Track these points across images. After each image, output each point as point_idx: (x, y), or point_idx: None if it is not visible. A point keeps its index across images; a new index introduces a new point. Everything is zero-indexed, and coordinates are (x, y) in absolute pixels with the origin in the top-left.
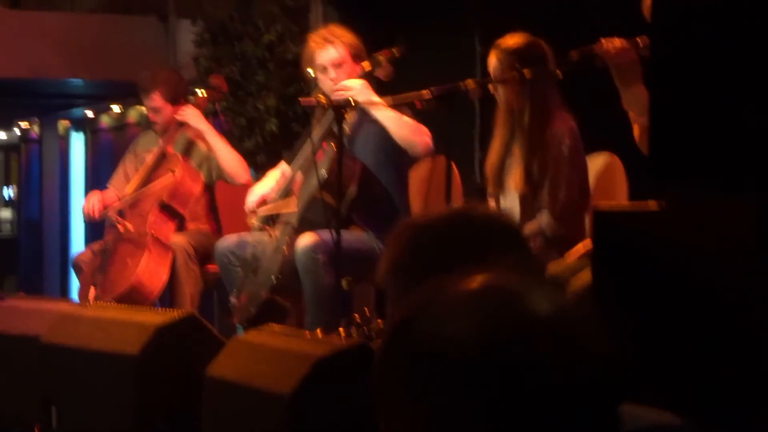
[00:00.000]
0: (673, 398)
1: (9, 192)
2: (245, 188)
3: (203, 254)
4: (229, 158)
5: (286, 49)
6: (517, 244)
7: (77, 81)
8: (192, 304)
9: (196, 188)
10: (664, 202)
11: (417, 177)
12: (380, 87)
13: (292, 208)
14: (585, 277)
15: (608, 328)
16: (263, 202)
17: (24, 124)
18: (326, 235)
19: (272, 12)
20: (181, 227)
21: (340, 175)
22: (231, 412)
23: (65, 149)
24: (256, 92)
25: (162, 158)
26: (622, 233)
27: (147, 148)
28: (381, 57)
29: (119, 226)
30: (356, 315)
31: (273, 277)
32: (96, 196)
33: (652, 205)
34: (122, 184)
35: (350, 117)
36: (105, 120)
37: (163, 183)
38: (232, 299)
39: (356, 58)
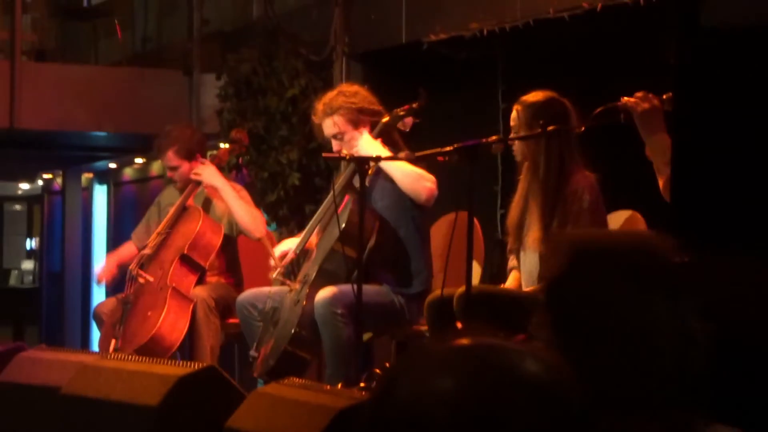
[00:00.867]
0: None
1: (31, 243)
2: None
3: (224, 307)
4: (243, 213)
5: (310, 103)
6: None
7: (101, 134)
8: (212, 356)
9: (217, 241)
10: (686, 257)
11: (438, 232)
12: (405, 141)
13: (308, 260)
14: None
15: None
16: (283, 257)
17: (47, 176)
18: (345, 288)
19: (296, 67)
20: (201, 280)
21: (362, 228)
22: None
23: (88, 201)
24: (279, 146)
25: (183, 211)
26: None
27: (170, 202)
28: (401, 112)
29: (140, 279)
30: (377, 369)
31: (293, 330)
32: (111, 261)
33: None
34: (144, 237)
35: (371, 170)
36: (128, 172)
37: (184, 236)
38: (252, 352)
39: (356, 123)
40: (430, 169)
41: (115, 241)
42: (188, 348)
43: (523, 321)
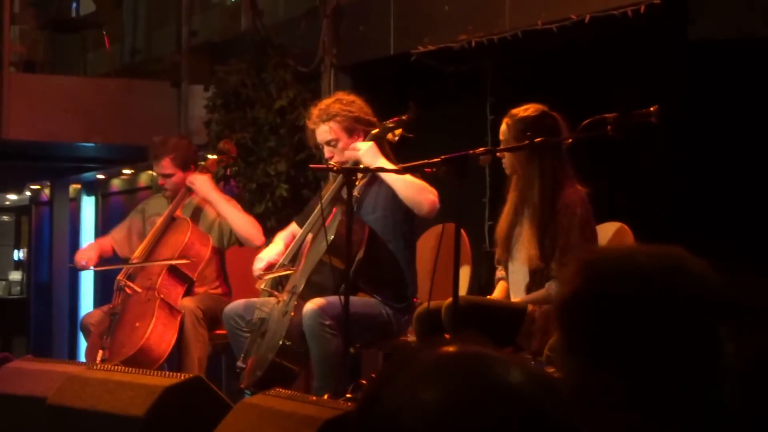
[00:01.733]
0: None
1: (19, 254)
2: (258, 251)
3: (212, 318)
4: (242, 223)
5: (298, 115)
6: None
7: (89, 145)
8: (200, 367)
9: (206, 252)
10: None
11: (426, 243)
12: (395, 152)
13: (296, 272)
14: None
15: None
16: (270, 267)
17: (35, 187)
18: (333, 299)
19: (284, 78)
20: (190, 291)
21: (349, 240)
22: None
23: (76, 212)
24: (267, 157)
25: (171, 222)
26: None
27: (157, 212)
28: (390, 124)
29: (128, 290)
30: (364, 381)
31: (280, 341)
32: (93, 250)
33: None
34: (121, 237)
35: (359, 182)
36: (116, 183)
37: (172, 247)
38: (240, 363)
39: (351, 132)
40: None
41: None
42: (176, 358)
43: (511, 331)
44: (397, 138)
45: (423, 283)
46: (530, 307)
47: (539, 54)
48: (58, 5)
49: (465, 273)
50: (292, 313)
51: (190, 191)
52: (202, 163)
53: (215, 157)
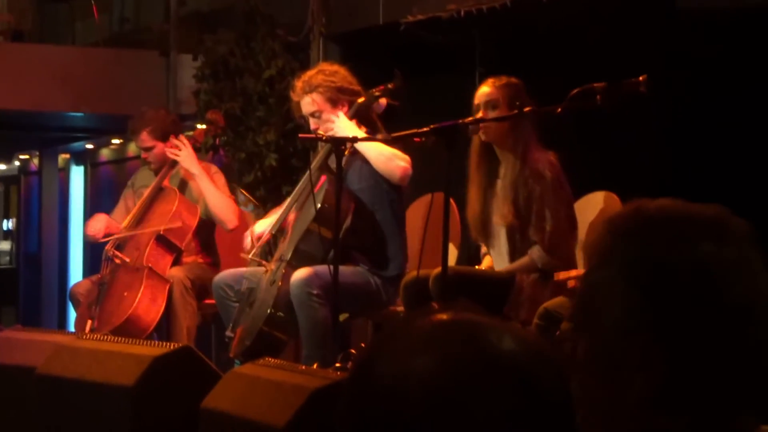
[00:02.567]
0: None
1: (8, 224)
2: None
3: (200, 288)
4: (219, 204)
5: (287, 84)
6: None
7: (78, 114)
8: (189, 337)
9: (193, 221)
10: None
11: (415, 213)
12: (383, 121)
13: (284, 241)
14: None
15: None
16: (258, 239)
17: (24, 157)
18: (321, 269)
19: (273, 48)
20: (178, 261)
21: (338, 209)
22: None
23: (65, 182)
24: (256, 127)
25: (159, 192)
26: None
27: (144, 184)
28: (376, 92)
29: (116, 260)
30: (353, 350)
31: (268, 310)
32: (102, 222)
33: None
34: (123, 218)
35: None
36: (105, 153)
37: (160, 216)
38: (228, 333)
39: (335, 102)
40: (406, 150)
41: None
42: (165, 328)
43: (499, 301)
44: (382, 109)
45: (411, 253)
46: (518, 277)
47: (528, 24)
48: None
49: (453, 243)
50: (280, 283)
51: (175, 163)
52: (190, 133)
53: (203, 127)
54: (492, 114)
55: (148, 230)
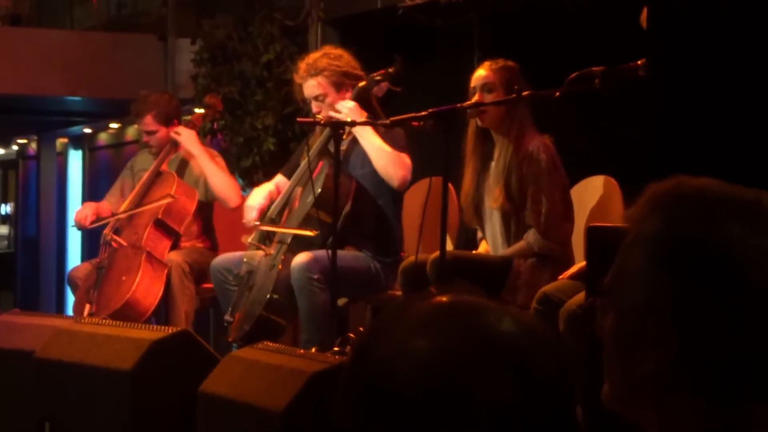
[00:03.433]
0: None
1: (6, 208)
2: (235, 211)
3: (199, 272)
4: (220, 182)
5: (285, 69)
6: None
7: (76, 99)
8: (187, 321)
9: (192, 206)
10: None
11: (413, 197)
12: (382, 106)
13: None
14: (580, 298)
15: (570, 350)
16: (261, 213)
17: (22, 141)
18: (321, 253)
19: (271, 32)
20: (176, 245)
21: (336, 193)
22: (225, 427)
23: (63, 166)
24: (254, 111)
25: (157, 176)
26: (616, 252)
27: (143, 167)
28: (377, 77)
29: (114, 243)
30: (351, 334)
31: (267, 294)
32: (90, 207)
33: None
34: (117, 199)
35: (346, 136)
36: (103, 138)
37: (158, 201)
38: (227, 317)
39: (339, 86)
40: (405, 134)
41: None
42: (163, 313)
43: (496, 285)
44: (382, 93)
45: (410, 237)
46: (516, 261)
47: (526, 7)
48: None
49: (452, 227)
50: (279, 267)
51: (175, 145)
52: (188, 118)
53: (201, 111)
54: (488, 97)
55: (143, 209)
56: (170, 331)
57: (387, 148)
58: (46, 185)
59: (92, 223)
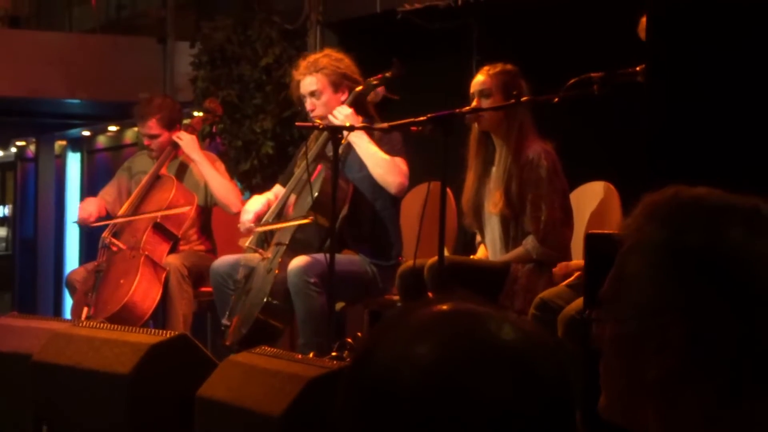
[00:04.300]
0: None
1: (4, 210)
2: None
3: (197, 275)
4: (222, 188)
5: (284, 72)
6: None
7: (75, 101)
8: (185, 325)
9: (191, 210)
10: None
11: (411, 202)
12: (379, 110)
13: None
14: (578, 304)
15: (570, 356)
16: (257, 218)
17: (20, 143)
18: (318, 257)
19: (270, 35)
20: (175, 248)
21: (334, 197)
22: None
23: (61, 168)
24: (253, 115)
25: (156, 180)
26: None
27: (143, 170)
28: (374, 81)
29: (113, 247)
30: (349, 339)
31: (265, 298)
32: (93, 205)
33: None
34: (115, 199)
35: (344, 140)
36: (101, 140)
37: (157, 204)
38: (224, 321)
39: (337, 87)
40: (403, 138)
41: None
42: (161, 316)
43: (494, 290)
44: (379, 98)
45: (407, 241)
46: (513, 266)
47: (525, 12)
48: None
49: (450, 232)
50: (276, 270)
51: (175, 147)
52: (187, 121)
53: (200, 115)
54: (486, 102)
55: (144, 216)
56: (168, 335)
57: (383, 155)
58: (44, 187)
59: (96, 221)
